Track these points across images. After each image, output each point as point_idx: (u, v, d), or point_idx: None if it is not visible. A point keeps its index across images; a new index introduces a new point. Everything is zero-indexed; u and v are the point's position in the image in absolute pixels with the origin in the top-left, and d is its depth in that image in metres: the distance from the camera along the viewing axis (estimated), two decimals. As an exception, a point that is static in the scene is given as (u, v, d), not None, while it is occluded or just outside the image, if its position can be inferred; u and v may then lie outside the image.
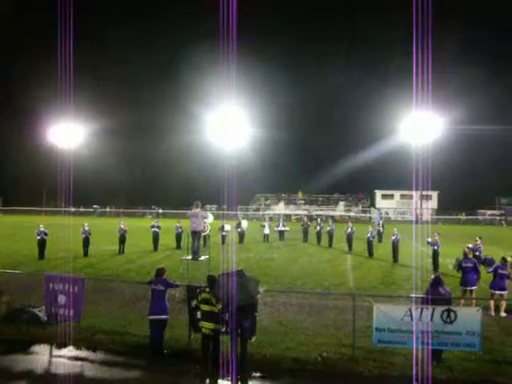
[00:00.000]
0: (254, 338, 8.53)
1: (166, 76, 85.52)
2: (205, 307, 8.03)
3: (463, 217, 60.64)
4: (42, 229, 20.67)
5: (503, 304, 11.56)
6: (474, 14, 68.12)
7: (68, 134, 48.87)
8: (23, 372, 8.06)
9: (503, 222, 58.64)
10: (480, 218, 63.47)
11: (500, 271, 11.85)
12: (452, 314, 8.08)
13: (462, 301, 11.71)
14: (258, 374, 7.91)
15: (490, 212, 66.70)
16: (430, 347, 8.03)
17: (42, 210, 59.37)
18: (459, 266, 12.59)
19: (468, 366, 8.15)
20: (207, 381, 7.89)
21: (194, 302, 8.44)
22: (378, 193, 71.94)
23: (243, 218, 32.56)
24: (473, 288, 12.31)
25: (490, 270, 12.22)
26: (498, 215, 64.32)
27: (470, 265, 12.43)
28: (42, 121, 52.86)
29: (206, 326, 7.96)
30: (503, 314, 11.39)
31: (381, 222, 31.39)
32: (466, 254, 12.78)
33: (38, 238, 20.38)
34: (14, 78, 68.30)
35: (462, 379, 7.77)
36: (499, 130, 53.79)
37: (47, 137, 50.68)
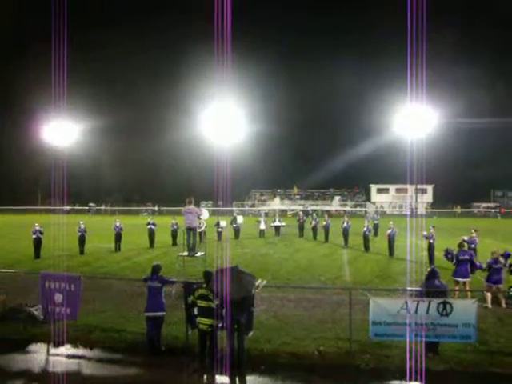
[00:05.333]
0: (250, 333, 8.54)
1: (161, 73, 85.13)
2: (202, 303, 8.04)
3: (458, 210, 60.89)
4: (37, 227, 20.54)
5: (501, 296, 11.67)
6: (468, 6, 68.28)
7: (62, 132, 48.60)
8: (21, 371, 8.03)
9: (498, 215, 58.97)
10: (475, 210, 63.86)
11: (494, 266, 11.93)
12: (448, 307, 8.11)
13: (457, 293, 11.75)
14: (255, 369, 7.92)
15: (484, 205, 67.15)
16: (424, 339, 8.08)
17: (36, 209, 59.01)
18: (456, 259, 12.53)
19: (464, 358, 8.21)
20: (205, 377, 7.90)
21: (190, 299, 8.44)
22: (374, 187, 72.19)
23: (238, 214, 32.52)
24: (466, 280, 12.34)
25: (484, 266, 12.27)
26: (493, 208, 64.73)
27: (466, 257, 12.43)
28: (36, 119, 52.55)
29: (204, 321, 7.98)
30: (504, 306, 11.50)
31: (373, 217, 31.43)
32: (462, 246, 12.75)
33: (34, 236, 20.25)
34: (8, 76, 67.84)
35: (458, 370, 7.83)
36: (493, 123, 54.09)
37: (42, 135, 50.36)
